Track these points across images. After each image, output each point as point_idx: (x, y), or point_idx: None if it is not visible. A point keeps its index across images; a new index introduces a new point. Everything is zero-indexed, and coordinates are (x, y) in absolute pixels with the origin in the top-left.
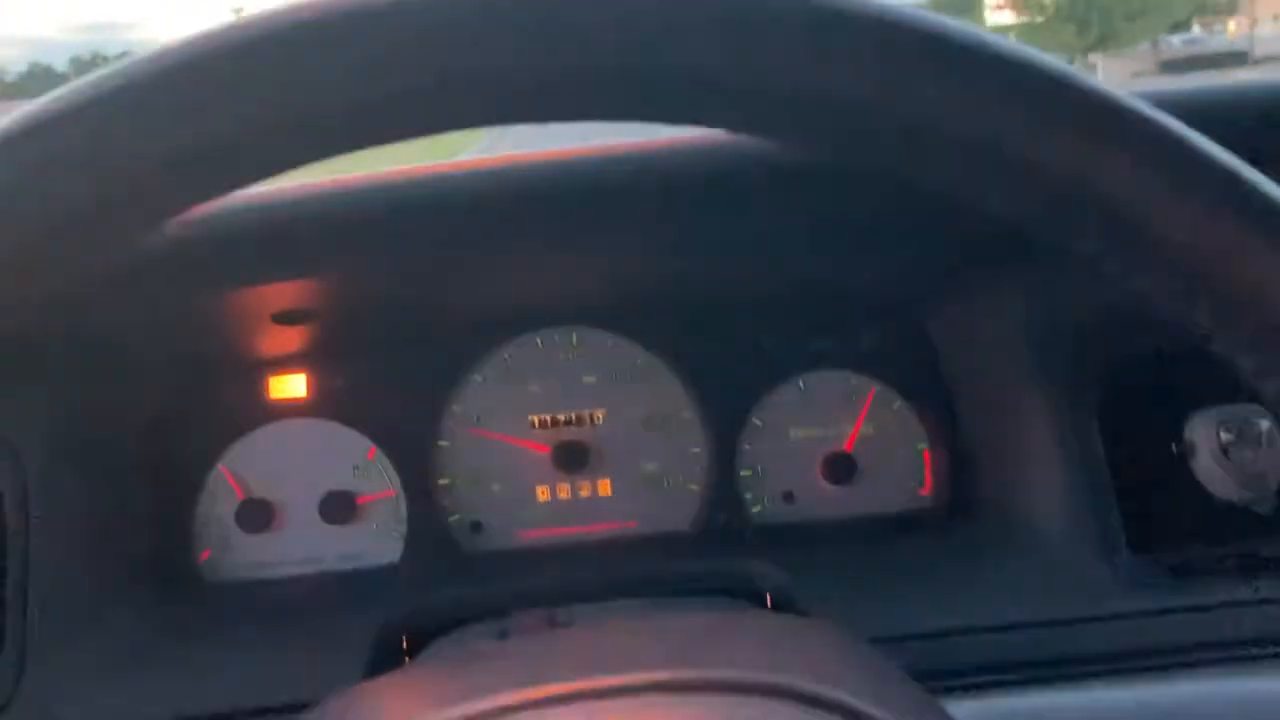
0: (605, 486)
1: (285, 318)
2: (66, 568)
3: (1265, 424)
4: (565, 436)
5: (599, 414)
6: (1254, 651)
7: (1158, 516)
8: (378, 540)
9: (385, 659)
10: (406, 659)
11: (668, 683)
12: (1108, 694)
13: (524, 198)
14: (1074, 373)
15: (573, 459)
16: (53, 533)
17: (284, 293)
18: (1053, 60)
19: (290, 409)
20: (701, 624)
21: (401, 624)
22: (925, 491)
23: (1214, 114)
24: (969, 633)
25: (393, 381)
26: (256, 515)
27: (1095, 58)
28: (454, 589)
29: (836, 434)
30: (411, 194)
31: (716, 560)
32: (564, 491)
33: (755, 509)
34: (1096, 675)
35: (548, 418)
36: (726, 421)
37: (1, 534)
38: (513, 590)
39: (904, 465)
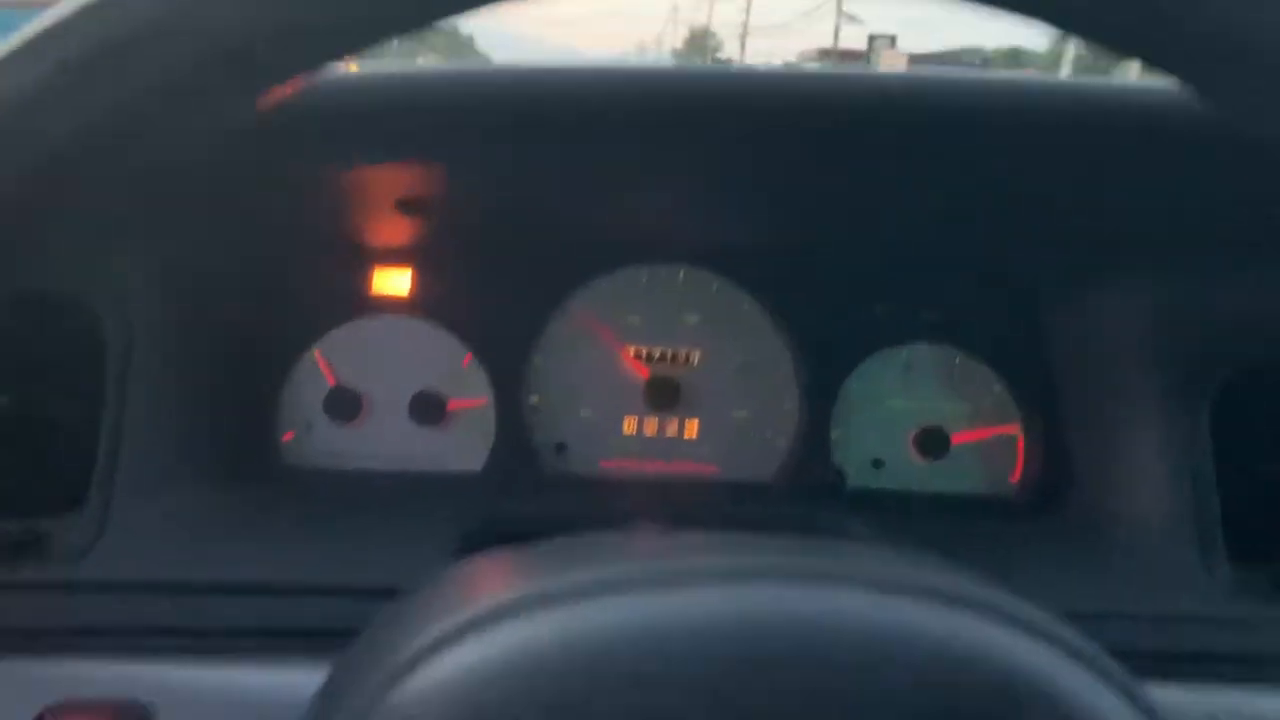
0: (692, 428)
1: (406, 205)
2: (157, 425)
3: None
4: (659, 372)
5: (695, 354)
6: None
7: (1260, 528)
8: (462, 447)
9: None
10: None
11: (826, 571)
12: (1201, 696)
13: (668, 107)
14: (1191, 379)
15: (664, 396)
16: (148, 386)
17: (408, 177)
18: None
19: (392, 304)
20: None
21: (490, 527)
22: (1014, 478)
23: None
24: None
25: (497, 291)
26: (345, 404)
27: None
28: (543, 503)
29: (933, 408)
30: (553, 85)
31: (806, 510)
32: (651, 427)
33: (840, 471)
34: (1189, 676)
35: (644, 351)
36: (824, 380)
37: (101, 382)
38: (605, 514)
39: (997, 449)
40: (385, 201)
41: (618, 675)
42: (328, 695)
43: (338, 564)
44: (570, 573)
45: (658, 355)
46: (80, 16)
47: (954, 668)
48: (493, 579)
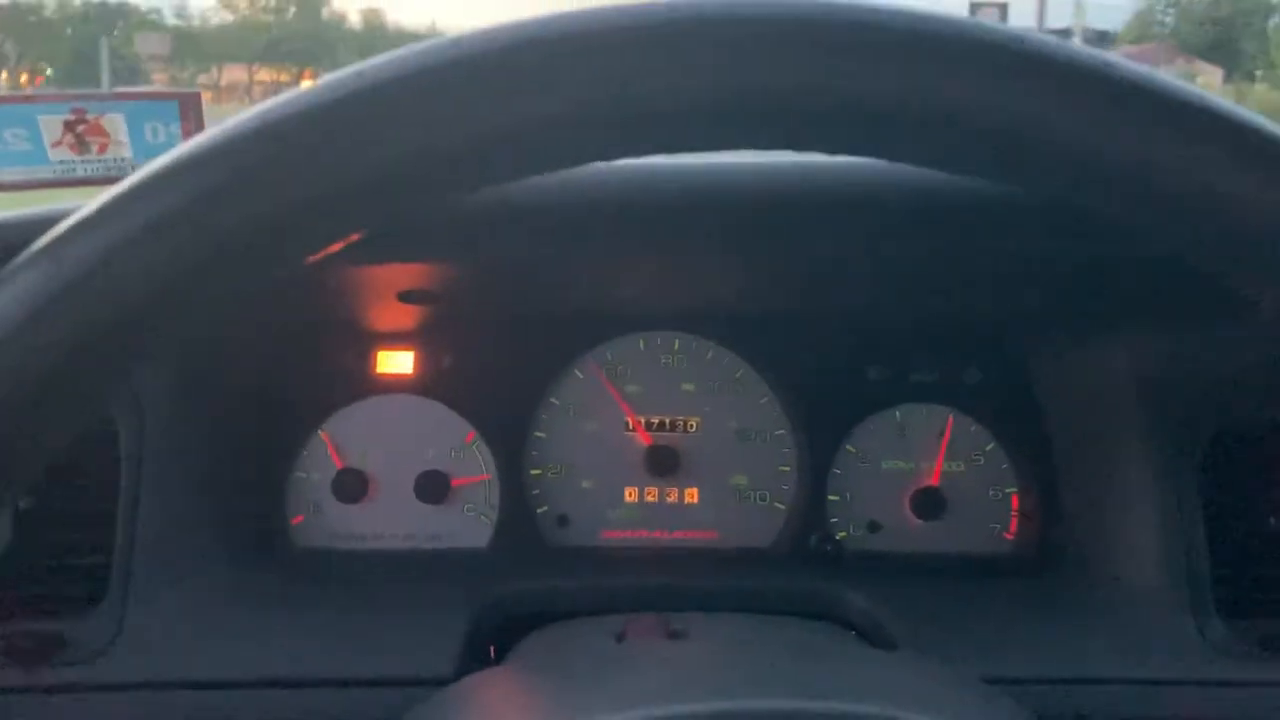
0: (692, 494)
1: (410, 297)
2: (171, 517)
3: None
4: (658, 440)
5: (694, 421)
6: None
7: (1251, 586)
8: (467, 523)
9: (481, 641)
10: (493, 649)
11: (802, 712)
12: None
13: (656, 204)
14: (1180, 433)
15: (664, 463)
16: (161, 481)
17: (413, 272)
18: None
19: (395, 384)
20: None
21: (498, 608)
22: (1009, 535)
23: None
24: (1053, 683)
25: (497, 368)
26: (352, 485)
27: None
28: (548, 580)
29: (928, 468)
30: (560, 186)
31: (806, 581)
32: (651, 495)
33: (840, 535)
34: None
35: (643, 420)
36: (820, 444)
37: (115, 477)
38: (609, 590)
39: (991, 507)
40: (388, 293)
41: None
42: None
43: (350, 654)
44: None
45: (656, 423)
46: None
47: None
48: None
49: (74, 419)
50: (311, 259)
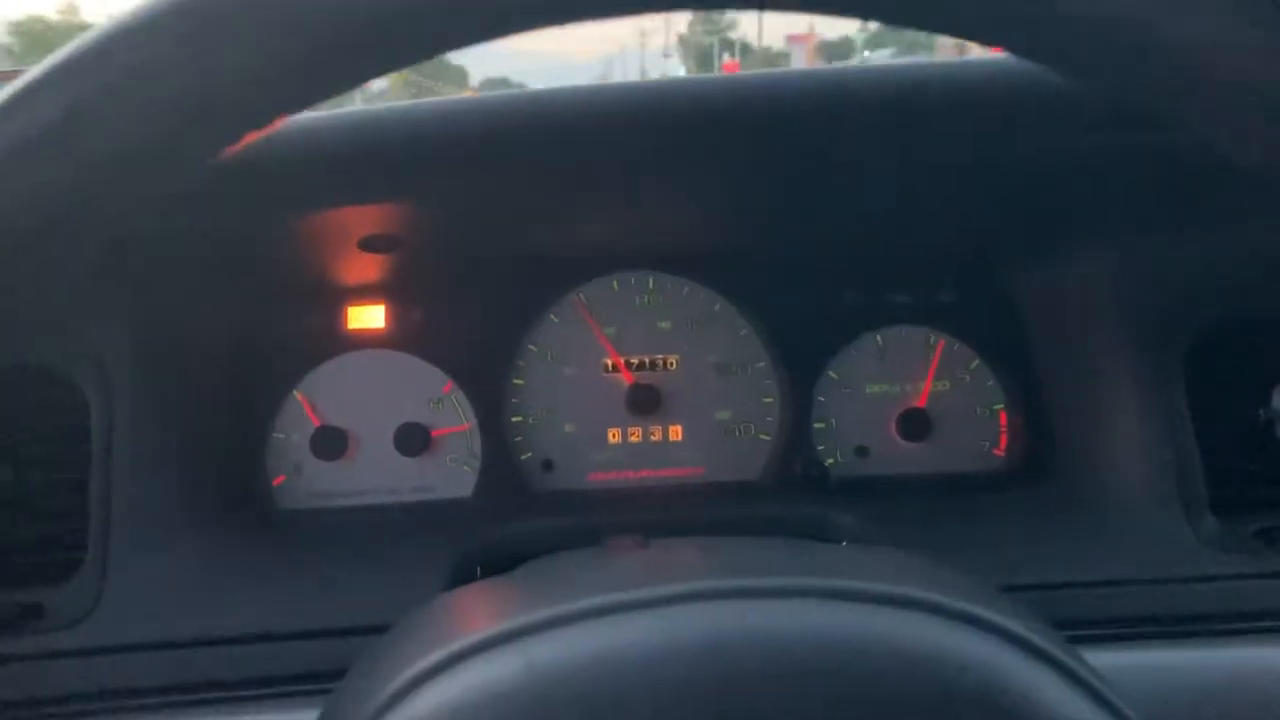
0: (676, 432)
1: (371, 243)
2: (146, 485)
3: None
4: (639, 380)
5: (673, 359)
6: None
7: (1242, 483)
8: (450, 474)
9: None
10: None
11: (805, 588)
12: (1190, 654)
13: (618, 123)
14: (1161, 337)
15: (645, 403)
16: (134, 449)
17: (371, 217)
18: None
19: (368, 339)
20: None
21: (479, 553)
22: (999, 452)
23: None
24: (1051, 589)
25: (471, 317)
26: (331, 443)
27: None
28: (530, 523)
29: (912, 390)
30: (507, 115)
31: (792, 507)
32: (635, 435)
33: (827, 462)
34: (1178, 636)
35: (622, 360)
36: (801, 373)
37: (87, 447)
38: (590, 527)
39: (979, 425)
40: (348, 242)
41: (585, 707)
42: None
43: (336, 606)
44: (540, 604)
45: (636, 363)
46: (52, 77)
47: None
48: (468, 615)
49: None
50: (222, 149)
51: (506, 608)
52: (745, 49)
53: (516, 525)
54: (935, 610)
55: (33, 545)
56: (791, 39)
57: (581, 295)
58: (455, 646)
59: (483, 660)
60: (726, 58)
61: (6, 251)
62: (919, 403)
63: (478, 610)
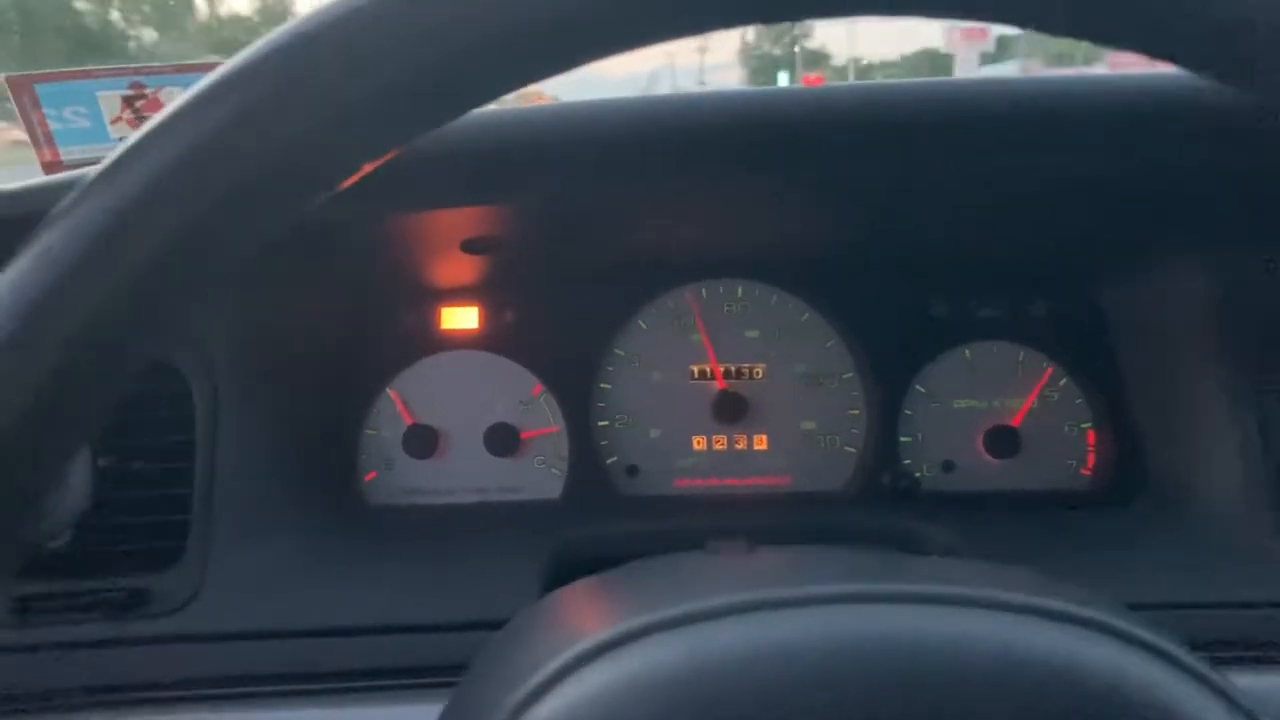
0: (761, 440)
1: (473, 245)
2: (246, 475)
3: None
4: (724, 388)
5: (759, 368)
6: None
7: None
8: (538, 475)
9: (559, 584)
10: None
11: (924, 595)
12: None
13: (717, 130)
14: (1255, 354)
15: (731, 411)
16: (236, 439)
17: (475, 218)
18: None
19: (461, 340)
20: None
21: (573, 554)
22: (1086, 471)
23: None
24: (1140, 609)
25: (561, 321)
26: (422, 441)
27: None
28: (626, 525)
29: (1000, 406)
30: (612, 121)
31: (882, 520)
32: (720, 443)
33: (914, 475)
34: (1275, 661)
35: (708, 368)
36: (889, 385)
37: (189, 436)
38: (686, 532)
39: (1067, 443)
40: (451, 243)
41: (747, 698)
42: None
43: (431, 601)
44: (686, 596)
45: (722, 371)
46: (201, 105)
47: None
48: (609, 604)
49: (139, 357)
50: (343, 183)
51: (646, 600)
52: (815, 60)
53: (612, 527)
54: (1111, 632)
55: (137, 532)
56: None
57: (670, 302)
58: (611, 632)
59: (647, 645)
60: (797, 74)
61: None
62: (1009, 420)
63: (621, 600)
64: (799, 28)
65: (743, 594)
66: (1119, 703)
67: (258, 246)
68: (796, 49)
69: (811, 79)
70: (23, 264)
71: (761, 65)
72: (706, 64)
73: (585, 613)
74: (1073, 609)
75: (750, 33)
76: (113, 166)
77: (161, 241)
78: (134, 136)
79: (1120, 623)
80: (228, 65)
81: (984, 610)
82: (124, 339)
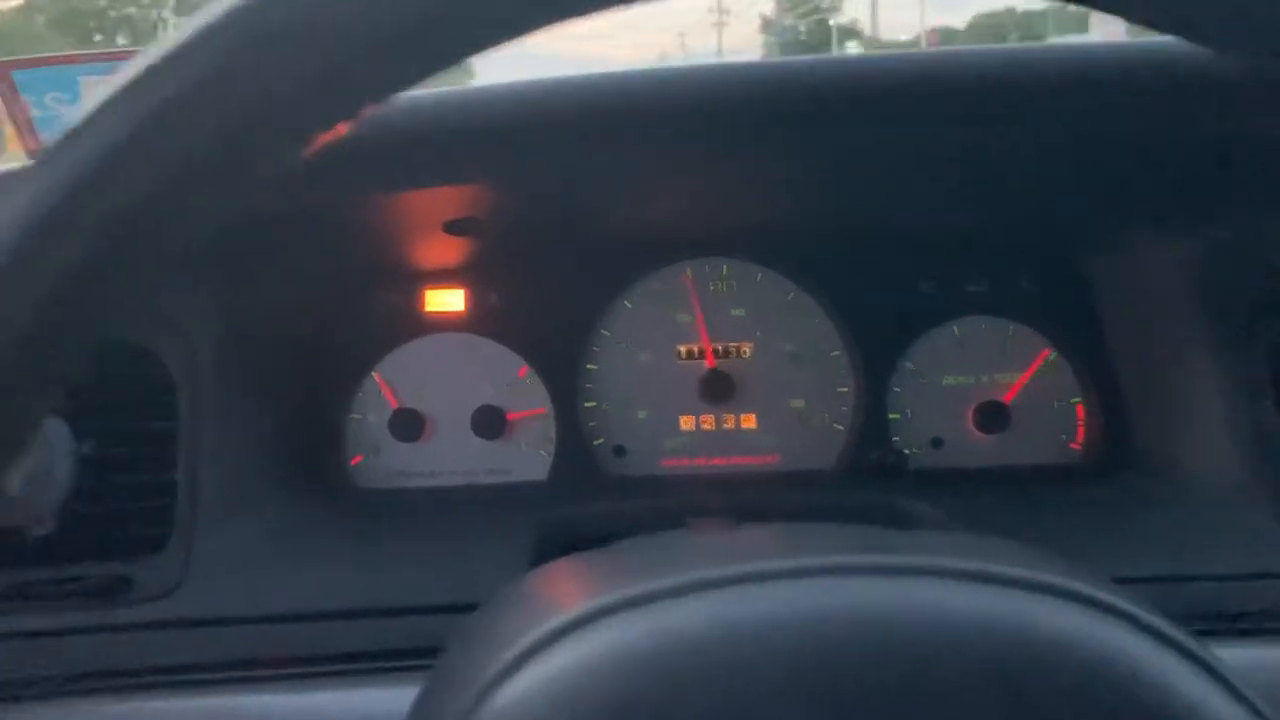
0: (749, 420)
1: (455, 226)
2: (230, 461)
3: None
4: (711, 368)
5: (746, 347)
6: None
7: None
8: (525, 457)
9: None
10: None
11: (904, 566)
12: (1274, 652)
13: (700, 104)
14: (1244, 325)
15: (718, 390)
16: (219, 425)
17: (456, 199)
18: None
19: (446, 323)
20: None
21: (558, 535)
22: (1076, 445)
23: None
24: (1133, 582)
25: (546, 302)
26: (409, 424)
27: None
28: (611, 505)
29: (989, 381)
30: (591, 95)
31: (869, 496)
32: (708, 422)
33: (903, 452)
34: (1265, 633)
35: (695, 348)
36: (877, 362)
37: (172, 422)
38: (673, 510)
39: (1056, 417)
40: (433, 224)
41: (716, 674)
42: (424, 710)
43: (418, 583)
44: (658, 574)
45: (709, 350)
46: (162, 67)
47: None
48: (582, 583)
49: (92, 329)
50: (304, 150)
51: (617, 579)
52: (849, 35)
53: (597, 507)
54: (1099, 606)
55: (120, 518)
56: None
57: (656, 281)
58: (579, 610)
59: (618, 621)
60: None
61: (114, 235)
62: (997, 395)
63: (595, 578)
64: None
65: (710, 570)
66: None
67: (212, 220)
68: (832, 23)
69: None
70: None
71: (785, 44)
72: (725, 46)
73: (557, 591)
74: (1058, 581)
75: (771, 8)
76: (59, 143)
77: (109, 213)
78: (82, 109)
79: (1108, 596)
80: (169, 39)
81: (960, 581)
82: (72, 317)
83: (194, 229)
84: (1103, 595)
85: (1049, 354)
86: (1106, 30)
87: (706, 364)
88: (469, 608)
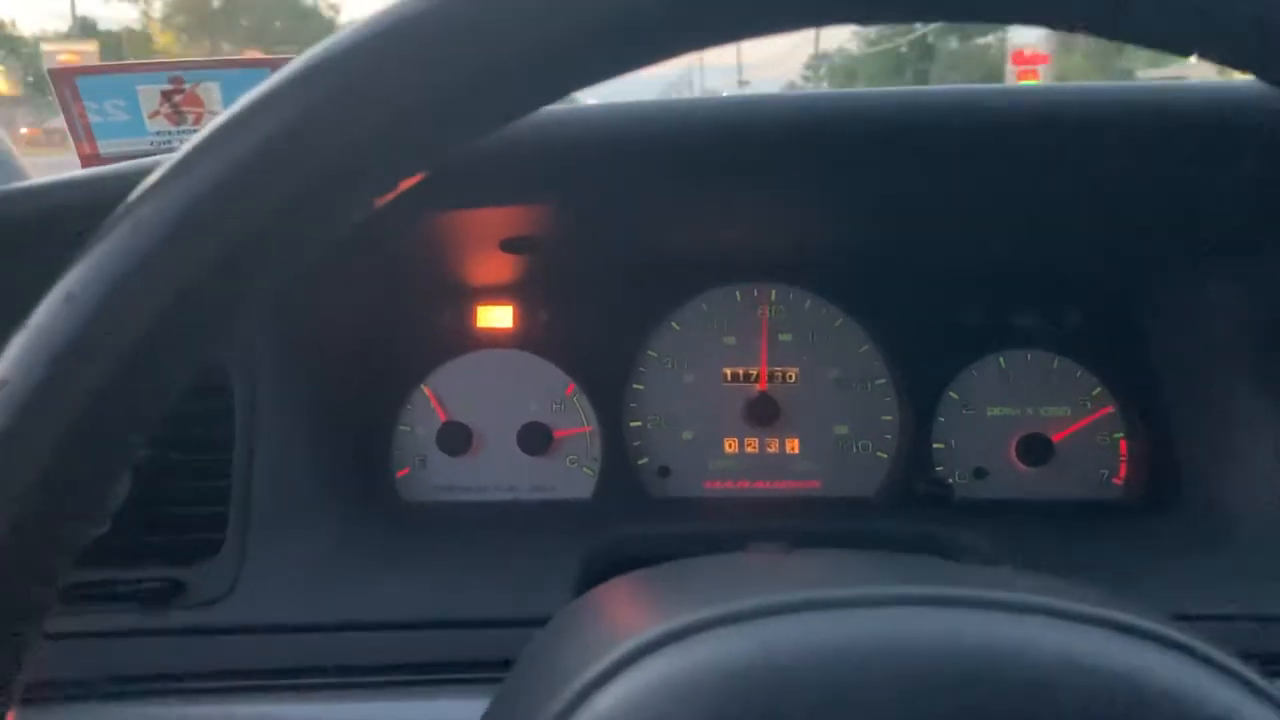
0: (793, 444)
1: (512, 245)
2: (284, 469)
3: None
4: (757, 391)
5: (792, 372)
6: None
7: None
8: (570, 475)
9: (591, 581)
10: None
11: (958, 598)
12: None
13: (757, 132)
14: None
15: (763, 414)
16: (274, 432)
17: (514, 218)
18: None
19: (496, 339)
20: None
21: (607, 550)
22: (1119, 480)
23: None
24: (1180, 620)
25: (595, 321)
26: (456, 438)
27: None
28: (661, 527)
29: (1034, 414)
30: (650, 121)
31: (915, 525)
32: (752, 445)
33: (946, 482)
34: None
35: (741, 371)
36: (923, 392)
37: (228, 429)
38: (717, 535)
39: (1099, 452)
40: (491, 242)
41: (814, 695)
42: None
43: (463, 597)
44: (743, 594)
45: (755, 373)
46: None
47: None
48: (661, 601)
49: (191, 362)
50: (385, 197)
51: (699, 597)
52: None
53: (644, 527)
54: (1172, 645)
55: (174, 524)
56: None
57: (704, 304)
58: (669, 626)
59: (713, 638)
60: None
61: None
62: (1042, 428)
63: (669, 599)
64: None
65: (811, 591)
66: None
67: (296, 267)
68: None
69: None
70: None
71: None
72: (745, 62)
73: (636, 608)
74: (1136, 621)
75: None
76: (155, 184)
77: (206, 267)
78: (198, 136)
79: (1182, 637)
80: (286, 69)
81: (1049, 618)
82: (176, 353)
83: (289, 271)
84: (1203, 649)
85: (1091, 386)
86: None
87: (759, 387)
88: (517, 623)
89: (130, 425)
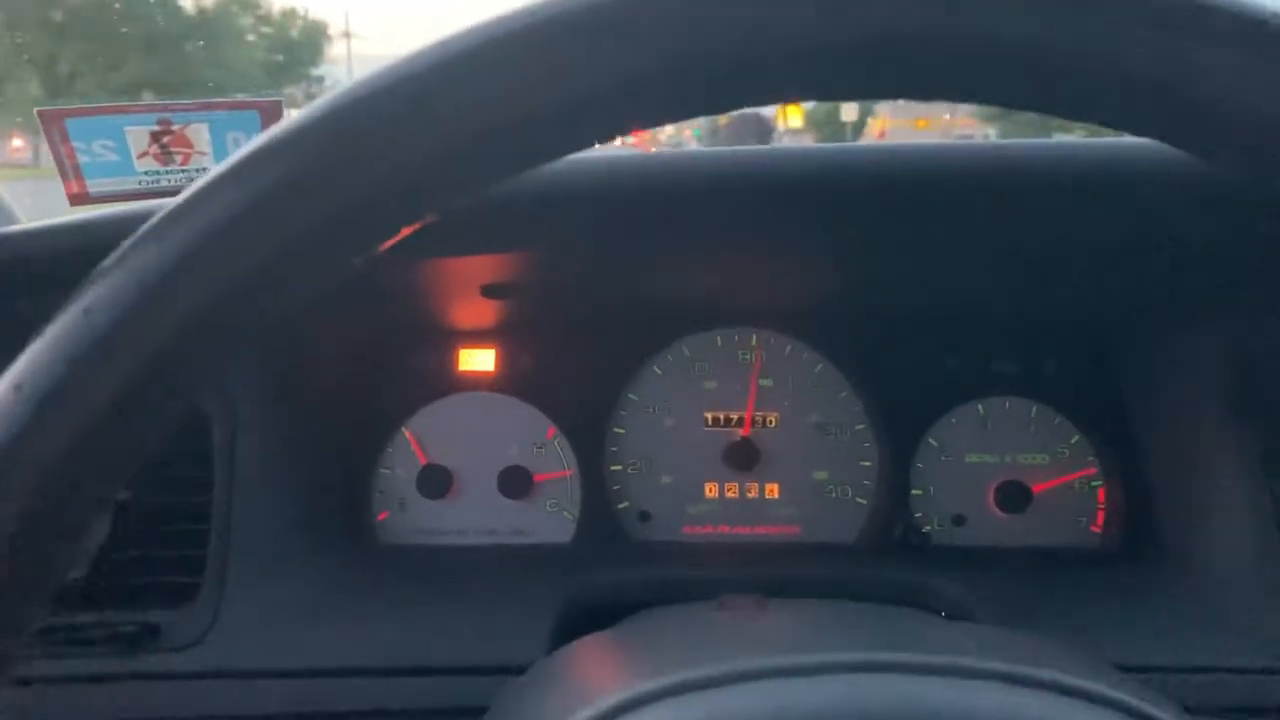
0: (773, 489)
1: (494, 290)
2: (263, 512)
3: None
4: (737, 436)
5: (772, 417)
6: None
7: None
8: (550, 519)
9: (569, 629)
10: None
11: (913, 665)
12: None
13: (739, 184)
14: (1270, 421)
15: (743, 459)
16: (254, 476)
17: (496, 264)
18: None
19: (477, 382)
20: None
21: (585, 598)
22: (1096, 528)
23: None
24: (1148, 671)
25: (576, 365)
26: (436, 482)
27: None
28: (635, 573)
29: (1012, 462)
30: (633, 172)
31: (892, 573)
32: (732, 490)
33: (924, 529)
34: None
35: (721, 416)
36: (902, 438)
37: (206, 472)
38: (694, 581)
39: (1077, 500)
40: (472, 287)
41: None
42: None
43: (441, 643)
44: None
45: (735, 418)
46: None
47: None
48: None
49: (173, 410)
50: (384, 245)
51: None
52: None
53: (622, 573)
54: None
55: (151, 567)
56: None
57: (684, 349)
58: (636, 691)
59: (669, 706)
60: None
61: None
62: (1020, 475)
63: (638, 659)
64: None
65: (764, 660)
66: None
67: (281, 313)
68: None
69: None
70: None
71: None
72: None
73: (607, 668)
74: (1097, 689)
75: None
76: (148, 232)
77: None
78: (186, 192)
79: (1146, 706)
80: (291, 121)
81: (1008, 685)
82: (161, 393)
83: (278, 315)
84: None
85: (1069, 434)
86: None
87: (741, 432)
88: (494, 670)
89: (103, 477)
